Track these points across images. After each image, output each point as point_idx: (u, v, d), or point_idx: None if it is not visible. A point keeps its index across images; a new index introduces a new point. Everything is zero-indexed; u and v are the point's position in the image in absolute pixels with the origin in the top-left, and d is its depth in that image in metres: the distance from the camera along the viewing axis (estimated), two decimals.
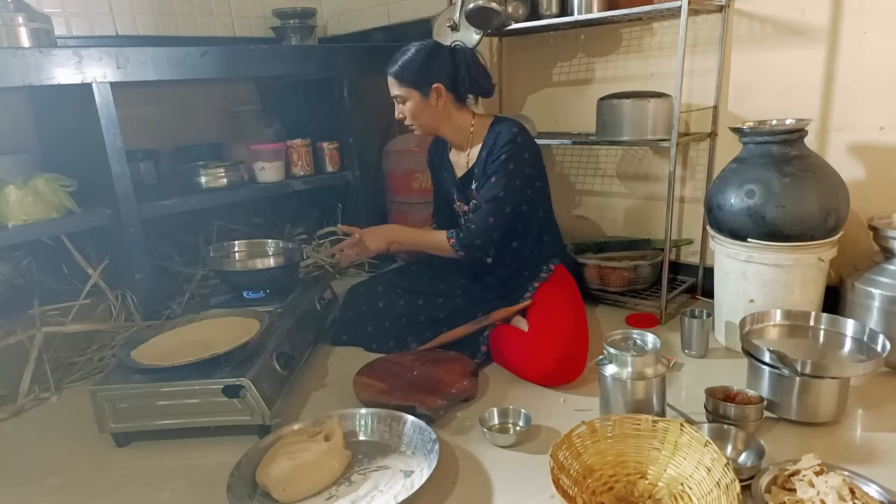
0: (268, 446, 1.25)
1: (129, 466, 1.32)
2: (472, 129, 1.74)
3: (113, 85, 1.80)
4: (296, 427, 1.31)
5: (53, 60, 1.69)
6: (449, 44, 1.71)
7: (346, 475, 1.21)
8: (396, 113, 1.72)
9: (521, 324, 1.67)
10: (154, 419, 1.34)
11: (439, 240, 1.73)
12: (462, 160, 1.79)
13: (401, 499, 1.10)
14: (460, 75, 1.67)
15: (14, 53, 1.64)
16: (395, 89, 1.68)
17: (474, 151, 1.75)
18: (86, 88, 1.76)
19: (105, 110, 1.79)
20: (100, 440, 1.39)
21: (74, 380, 1.71)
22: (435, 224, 1.96)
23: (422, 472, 1.18)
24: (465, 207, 1.79)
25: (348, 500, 1.14)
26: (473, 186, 1.74)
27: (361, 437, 1.34)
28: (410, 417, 1.32)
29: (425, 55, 1.64)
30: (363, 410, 1.38)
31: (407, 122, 1.71)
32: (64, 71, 1.71)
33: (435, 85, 1.65)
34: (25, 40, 1.79)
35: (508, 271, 1.81)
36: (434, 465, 1.17)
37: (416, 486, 1.12)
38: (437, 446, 1.21)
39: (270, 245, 2.00)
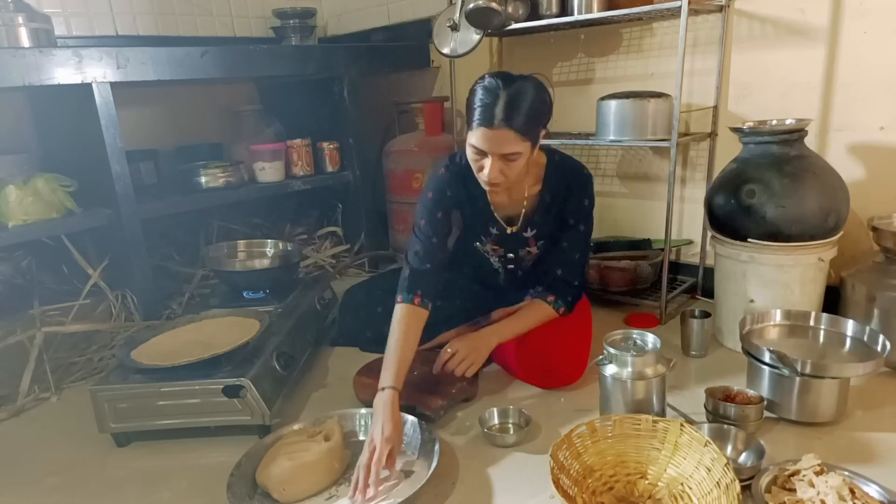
0: (268, 446, 1.25)
1: (129, 466, 1.32)
2: (526, 169, 1.40)
3: (113, 85, 1.80)
4: (296, 427, 1.31)
5: (53, 60, 1.69)
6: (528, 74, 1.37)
7: (346, 475, 1.21)
8: (493, 175, 1.30)
9: None
10: (154, 419, 1.34)
11: (545, 315, 1.51)
12: (512, 204, 1.52)
13: (401, 499, 1.09)
14: (551, 114, 1.38)
15: (14, 53, 1.64)
16: (512, 145, 1.27)
17: (531, 191, 1.49)
18: (86, 88, 1.76)
19: (105, 110, 1.79)
20: (100, 440, 1.39)
21: (74, 380, 1.71)
22: (423, 275, 1.45)
23: (422, 473, 1.18)
24: (511, 255, 1.59)
25: (347, 501, 1.14)
26: (531, 234, 1.53)
27: (362, 437, 1.35)
28: (410, 417, 1.32)
29: (539, 96, 1.30)
30: (363, 410, 1.38)
31: (501, 183, 1.34)
32: (64, 71, 1.71)
33: (542, 131, 1.34)
34: (25, 40, 1.79)
35: (519, 282, 1.71)
36: (434, 465, 1.17)
37: (416, 487, 1.12)
38: (437, 446, 1.21)
39: (270, 245, 2.00)
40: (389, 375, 1.31)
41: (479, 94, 1.29)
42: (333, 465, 1.20)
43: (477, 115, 1.28)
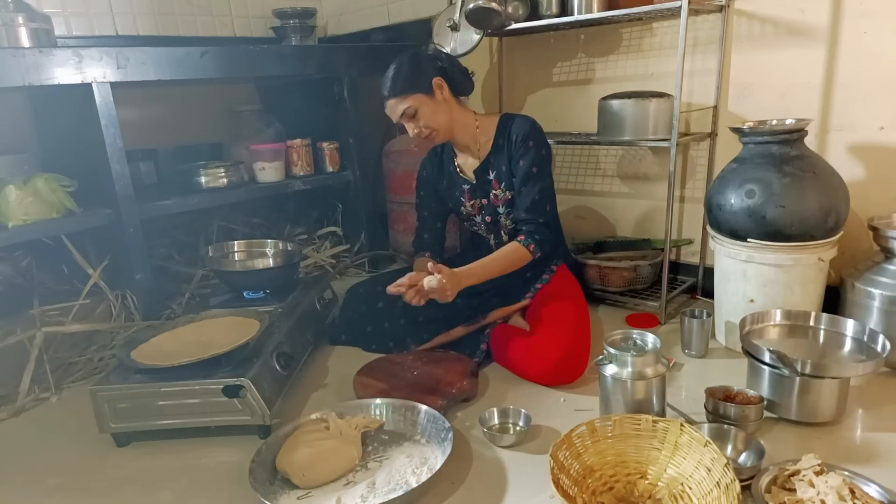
0: (287, 434, 1.28)
1: (129, 466, 1.32)
2: (477, 126, 1.75)
3: (113, 85, 1.80)
4: (314, 416, 1.34)
5: (53, 60, 1.69)
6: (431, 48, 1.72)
7: (362, 462, 1.24)
8: (412, 131, 1.68)
9: (521, 323, 1.67)
10: (154, 419, 1.34)
11: (515, 256, 1.62)
12: (471, 158, 1.79)
13: (415, 484, 1.12)
14: (447, 67, 1.68)
15: (14, 53, 1.64)
16: (400, 106, 1.64)
17: (486, 145, 1.75)
18: (86, 88, 1.76)
19: (105, 110, 1.79)
20: (100, 440, 1.39)
21: (74, 380, 1.71)
22: (424, 242, 1.88)
23: (436, 459, 1.20)
24: (484, 201, 1.78)
25: (364, 486, 1.16)
26: (492, 176, 1.74)
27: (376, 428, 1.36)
28: (424, 407, 1.33)
29: (409, 60, 1.64)
30: (378, 400, 1.40)
31: (425, 133, 1.67)
32: (64, 71, 1.71)
33: (434, 79, 1.64)
34: (25, 40, 1.78)
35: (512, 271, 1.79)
36: (448, 451, 1.19)
37: (433, 472, 1.14)
38: (450, 434, 1.23)
39: (270, 245, 2.00)
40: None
41: None
42: (351, 452, 1.23)
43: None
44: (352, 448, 1.24)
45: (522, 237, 1.65)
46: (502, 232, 1.81)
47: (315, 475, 1.18)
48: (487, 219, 1.81)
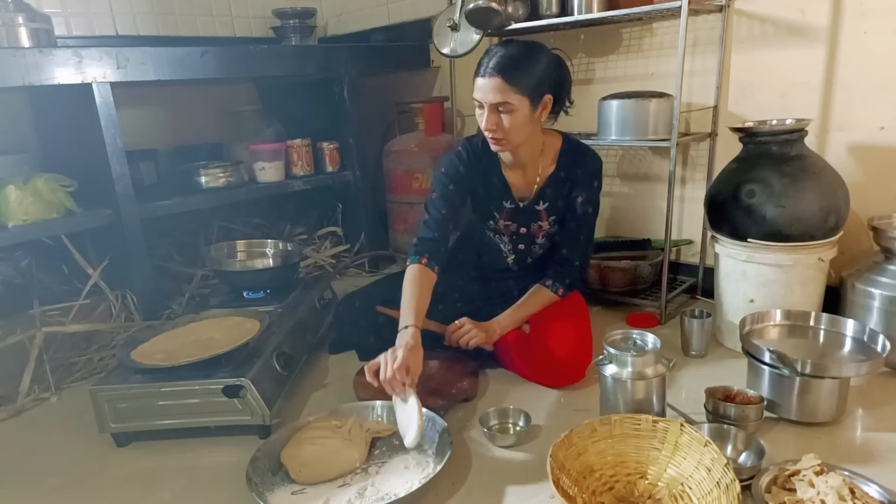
0: (297, 428, 1.30)
1: (129, 466, 1.32)
2: (542, 148, 1.56)
3: (113, 85, 1.80)
4: (327, 413, 1.36)
5: (53, 60, 1.69)
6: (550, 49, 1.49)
7: (363, 466, 1.25)
8: (486, 123, 1.41)
9: (522, 325, 1.67)
10: (154, 419, 1.34)
11: (544, 300, 1.58)
12: (526, 180, 1.59)
13: (403, 494, 1.11)
14: (565, 88, 1.49)
15: (14, 53, 1.64)
16: (503, 95, 1.37)
17: (544, 172, 1.57)
18: (86, 88, 1.76)
19: (105, 110, 1.79)
20: (100, 440, 1.39)
21: (74, 380, 1.71)
22: (431, 242, 1.54)
23: (435, 464, 1.20)
24: (523, 230, 1.64)
25: (355, 490, 1.16)
26: (543, 207, 1.59)
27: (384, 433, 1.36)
28: (425, 410, 1.32)
29: (546, 60, 1.43)
30: (377, 403, 1.39)
31: (498, 136, 1.43)
32: (64, 71, 1.71)
33: (546, 96, 1.44)
34: (25, 40, 1.78)
35: (522, 275, 1.74)
36: (447, 454, 1.19)
37: (430, 477, 1.14)
38: (450, 438, 1.23)
39: (270, 245, 2.00)
40: (410, 316, 1.40)
41: (487, 51, 1.42)
42: (352, 454, 1.24)
43: (479, 67, 1.41)
44: (353, 450, 1.24)
45: (551, 281, 1.57)
46: (528, 258, 1.71)
47: (312, 472, 1.19)
48: (521, 247, 1.68)
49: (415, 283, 1.46)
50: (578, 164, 1.56)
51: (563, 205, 1.59)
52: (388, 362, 1.27)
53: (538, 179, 1.58)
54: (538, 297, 1.59)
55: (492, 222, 1.66)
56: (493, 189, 1.61)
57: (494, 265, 1.76)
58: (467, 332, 1.54)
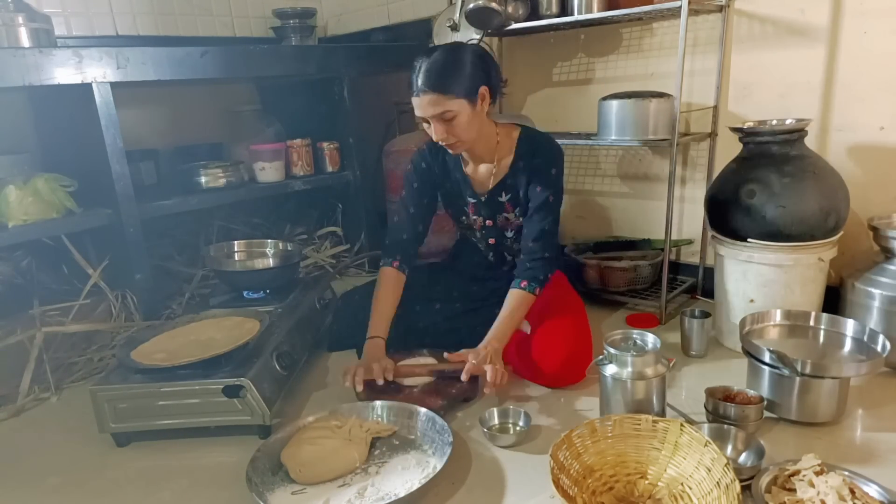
0: (298, 428, 1.30)
1: (129, 466, 1.32)
2: (497, 139, 1.57)
3: (113, 85, 1.80)
4: (324, 414, 1.35)
5: (53, 60, 1.69)
6: (455, 40, 1.55)
7: (364, 465, 1.24)
8: (438, 135, 1.44)
9: (524, 326, 1.66)
10: (154, 419, 1.34)
11: (525, 304, 1.52)
12: (485, 173, 1.61)
13: (403, 494, 1.11)
14: (492, 75, 1.48)
15: (14, 53, 1.64)
16: (439, 106, 1.39)
17: (503, 162, 1.59)
18: (86, 88, 1.76)
19: (105, 110, 1.79)
20: (100, 440, 1.39)
21: (74, 380, 1.71)
22: (401, 243, 1.63)
23: (435, 464, 1.20)
24: (490, 222, 1.66)
25: (355, 490, 1.16)
26: (505, 198, 1.61)
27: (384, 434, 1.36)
28: (423, 410, 1.33)
29: (470, 57, 1.42)
30: (377, 403, 1.39)
31: (451, 141, 1.45)
32: (64, 71, 1.71)
33: (481, 89, 1.44)
34: (25, 40, 1.78)
35: (509, 271, 1.77)
36: (447, 454, 1.19)
37: (430, 476, 1.14)
38: (450, 438, 1.23)
39: (270, 245, 2.00)
40: (375, 327, 1.55)
41: (412, 68, 1.43)
42: (352, 454, 1.24)
43: (411, 87, 1.43)
44: (353, 450, 1.24)
45: (525, 283, 1.53)
46: (505, 253, 1.73)
47: (312, 472, 1.19)
48: (491, 240, 1.71)
49: (383, 290, 1.59)
50: (536, 154, 1.57)
51: (524, 195, 1.60)
52: (375, 374, 1.44)
53: (495, 171, 1.60)
54: (519, 302, 1.52)
55: (464, 218, 1.70)
56: (458, 185, 1.66)
57: (483, 264, 1.79)
58: (495, 371, 1.39)
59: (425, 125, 1.47)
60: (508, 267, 1.74)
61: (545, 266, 1.56)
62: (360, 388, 1.43)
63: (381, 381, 1.44)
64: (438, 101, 1.39)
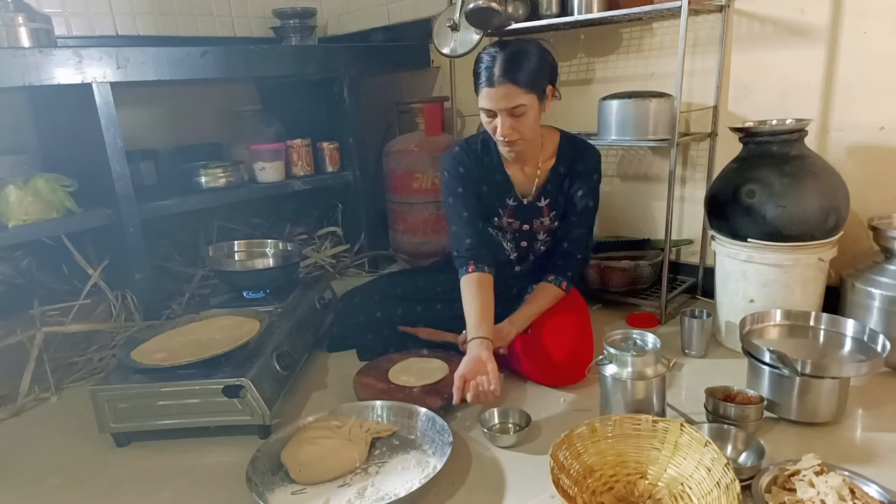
0: (297, 428, 1.30)
1: (129, 466, 1.32)
2: (542, 143, 1.57)
3: (113, 85, 1.80)
4: (324, 414, 1.35)
5: (53, 60, 1.69)
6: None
7: (364, 465, 1.24)
8: (503, 131, 1.42)
9: None
10: (154, 419, 1.34)
11: (551, 297, 1.57)
12: (528, 175, 1.60)
13: (403, 494, 1.11)
14: (557, 74, 1.49)
15: (14, 53, 1.64)
16: (513, 99, 1.38)
17: (544, 167, 1.59)
18: (86, 88, 1.76)
19: (105, 110, 1.79)
20: (100, 440, 1.39)
21: (74, 380, 1.71)
22: (469, 249, 1.55)
23: (435, 464, 1.20)
24: (526, 227, 1.64)
25: (355, 490, 1.16)
26: (544, 203, 1.61)
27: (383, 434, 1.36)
28: (423, 410, 1.33)
29: (542, 54, 1.43)
30: (377, 402, 1.39)
31: (514, 138, 1.43)
32: (64, 71, 1.71)
33: (548, 87, 1.44)
34: (25, 40, 1.78)
35: (524, 272, 1.74)
36: (447, 454, 1.19)
37: (430, 476, 1.14)
38: (450, 438, 1.23)
39: (270, 245, 2.00)
40: (479, 328, 1.43)
41: (482, 60, 1.43)
42: (352, 454, 1.24)
43: (481, 78, 1.41)
44: (353, 450, 1.24)
45: (553, 276, 1.57)
46: (530, 255, 1.71)
47: (312, 473, 1.19)
48: (523, 244, 1.68)
49: (472, 293, 1.49)
50: (578, 158, 1.58)
51: (563, 199, 1.61)
52: (483, 381, 1.33)
53: (538, 174, 1.60)
54: (545, 293, 1.59)
55: (496, 219, 1.66)
56: (497, 187, 1.62)
57: (502, 257, 1.76)
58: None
59: (486, 119, 1.45)
60: (526, 269, 1.73)
61: (577, 266, 1.61)
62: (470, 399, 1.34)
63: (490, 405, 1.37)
64: (514, 93, 1.38)
